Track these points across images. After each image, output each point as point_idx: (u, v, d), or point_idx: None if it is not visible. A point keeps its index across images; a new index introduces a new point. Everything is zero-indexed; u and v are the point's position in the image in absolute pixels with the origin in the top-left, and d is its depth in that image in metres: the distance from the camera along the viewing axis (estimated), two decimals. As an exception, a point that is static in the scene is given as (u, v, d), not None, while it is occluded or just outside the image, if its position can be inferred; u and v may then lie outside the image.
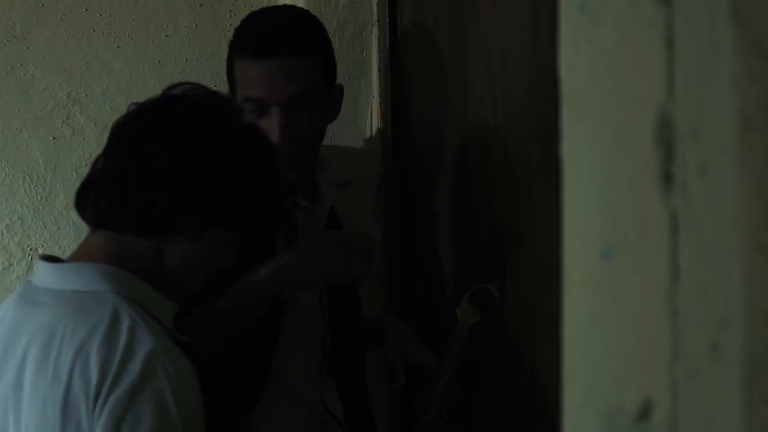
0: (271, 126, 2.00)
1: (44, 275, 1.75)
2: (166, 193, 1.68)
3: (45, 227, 2.49)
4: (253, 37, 2.11)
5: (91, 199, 1.74)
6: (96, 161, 1.76)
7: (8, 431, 1.70)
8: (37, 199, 2.59)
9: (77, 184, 2.41)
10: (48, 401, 1.64)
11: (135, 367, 1.60)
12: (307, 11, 2.22)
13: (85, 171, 2.54)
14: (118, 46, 2.56)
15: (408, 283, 2.65)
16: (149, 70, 2.56)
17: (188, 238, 1.71)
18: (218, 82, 2.55)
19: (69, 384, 1.63)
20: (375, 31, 2.55)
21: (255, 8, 2.57)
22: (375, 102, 2.53)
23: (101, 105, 2.58)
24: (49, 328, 1.67)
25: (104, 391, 1.60)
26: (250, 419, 2.03)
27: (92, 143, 2.58)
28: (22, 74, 2.53)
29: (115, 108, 2.56)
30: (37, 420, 1.64)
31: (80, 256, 1.76)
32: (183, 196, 1.68)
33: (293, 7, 2.29)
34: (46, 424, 1.63)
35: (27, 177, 2.58)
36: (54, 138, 2.58)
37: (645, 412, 0.82)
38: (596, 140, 0.87)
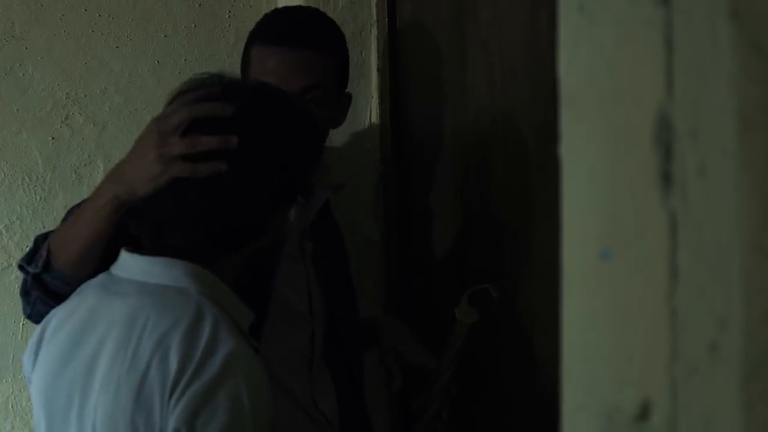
0: None
1: (128, 266, 1.74)
2: (242, 214, 1.68)
3: (44, 227, 2.49)
4: (274, 27, 2.13)
5: (169, 239, 1.71)
6: (161, 199, 1.70)
7: (70, 415, 1.72)
8: (36, 199, 2.59)
9: (76, 184, 2.41)
10: (122, 388, 1.65)
11: (215, 365, 1.61)
12: (329, 17, 2.22)
13: (84, 171, 2.55)
14: (117, 47, 2.56)
15: (407, 283, 2.65)
16: (148, 71, 2.55)
17: (269, 236, 1.73)
18: (217, 82, 2.55)
19: (146, 373, 1.64)
20: (374, 32, 2.56)
21: (254, 9, 2.57)
22: (374, 102, 2.53)
23: (100, 105, 2.57)
24: (130, 317, 1.68)
25: (182, 385, 1.61)
26: None
27: (91, 143, 2.58)
28: (21, 74, 2.53)
29: (114, 108, 2.56)
30: (108, 406, 1.66)
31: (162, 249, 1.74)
32: (261, 209, 1.69)
33: (317, 9, 2.30)
34: (117, 410, 1.65)
35: (26, 177, 2.58)
36: (53, 138, 2.58)
37: (644, 413, 0.82)
38: (595, 140, 0.87)
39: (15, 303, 2.28)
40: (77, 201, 2.01)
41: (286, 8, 2.31)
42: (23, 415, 2.60)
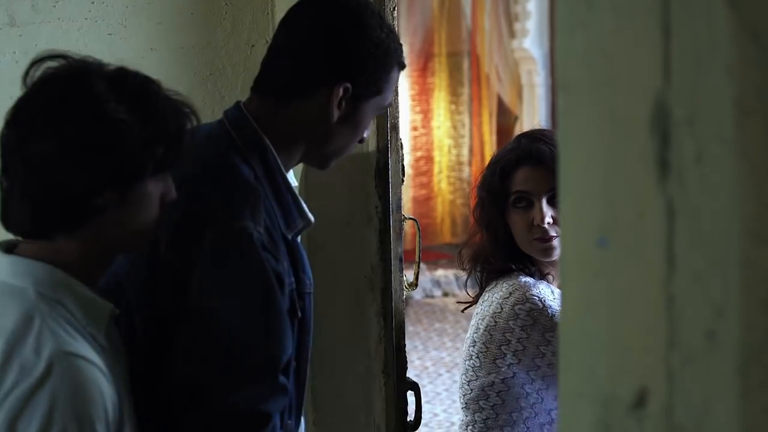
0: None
1: None
2: (60, 183, 1.68)
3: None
4: None
5: (11, 217, 1.73)
6: (0, 180, 1.74)
7: None
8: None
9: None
10: None
11: (38, 368, 1.62)
12: None
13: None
14: (110, 34, 2.55)
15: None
16: (143, 58, 2.55)
17: (113, 207, 1.71)
18: (213, 70, 2.55)
19: None
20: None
21: (250, -5, 2.56)
22: (370, 90, 2.52)
23: (96, 93, 2.56)
24: None
25: (4, 389, 1.62)
26: None
27: (87, 131, 2.58)
28: (15, 62, 2.53)
29: (110, 96, 2.55)
30: None
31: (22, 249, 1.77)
32: (76, 178, 1.68)
33: None
34: None
35: (21, 165, 2.58)
36: (48, 126, 2.57)
37: (641, 400, 0.82)
38: (592, 127, 0.87)
39: None
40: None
41: None
42: None
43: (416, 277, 2.53)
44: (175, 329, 1.88)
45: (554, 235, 2.42)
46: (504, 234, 2.50)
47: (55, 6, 2.53)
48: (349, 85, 1.97)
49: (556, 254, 2.43)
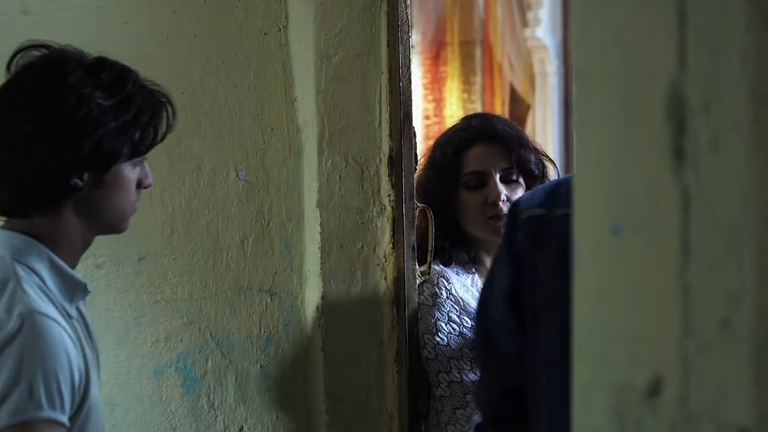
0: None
1: None
2: (39, 165, 1.76)
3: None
4: None
5: None
6: None
7: None
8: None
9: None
10: None
11: (7, 326, 1.69)
12: None
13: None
14: (126, 22, 2.55)
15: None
16: (158, 46, 2.55)
17: (90, 189, 1.80)
18: (226, 58, 2.55)
19: None
20: (384, 7, 2.54)
21: (263, -16, 2.56)
22: (384, 78, 2.52)
23: (109, 81, 2.56)
24: None
25: None
26: None
27: (100, 119, 2.58)
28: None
29: (123, 84, 2.55)
30: None
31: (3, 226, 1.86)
32: (54, 160, 1.76)
33: None
34: None
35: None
36: (62, 114, 2.57)
37: (655, 388, 0.82)
38: (607, 115, 0.87)
39: None
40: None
41: None
42: None
43: (429, 266, 2.53)
44: None
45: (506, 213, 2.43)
46: (450, 215, 2.51)
47: (69, -6, 2.53)
48: None
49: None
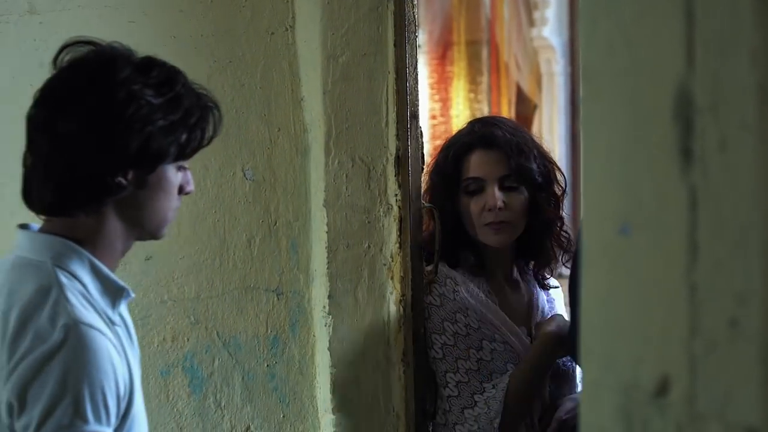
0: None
1: (16, 241, 1.83)
2: (85, 162, 1.73)
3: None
4: None
5: (34, 193, 1.79)
6: (25, 158, 1.80)
7: None
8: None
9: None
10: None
11: (51, 337, 1.66)
12: None
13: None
14: (131, 22, 2.56)
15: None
16: (164, 46, 2.55)
17: (133, 189, 1.76)
18: (233, 58, 2.55)
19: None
20: (390, 7, 2.55)
21: (270, -17, 2.56)
22: (391, 78, 2.52)
23: (116, 81, 2.56)
24: (1, 288, 1.77)
25: (17, 357, 1.67)
26: None
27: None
28: (35, 49, 2.53)
29: (130, 84, 2.55)
30: None
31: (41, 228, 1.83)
32: (101, 157, 1.73)
33: None
34: None
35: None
36: (69, 114, 2.57)
37: (663, 389, 0.82)
38: (614, 115, 0.87)
39: None
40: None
41: None
42: None
43: (436, 266, 2.53)
44: None
45: (505, 220, 2.44)
46: (453, 220, 2.51)
47: (75, -6, 2.53)
48: None
49: (505, 240, 2.49)
